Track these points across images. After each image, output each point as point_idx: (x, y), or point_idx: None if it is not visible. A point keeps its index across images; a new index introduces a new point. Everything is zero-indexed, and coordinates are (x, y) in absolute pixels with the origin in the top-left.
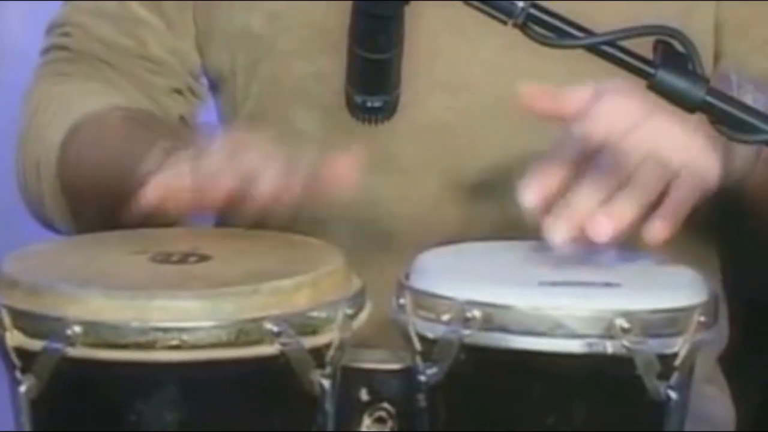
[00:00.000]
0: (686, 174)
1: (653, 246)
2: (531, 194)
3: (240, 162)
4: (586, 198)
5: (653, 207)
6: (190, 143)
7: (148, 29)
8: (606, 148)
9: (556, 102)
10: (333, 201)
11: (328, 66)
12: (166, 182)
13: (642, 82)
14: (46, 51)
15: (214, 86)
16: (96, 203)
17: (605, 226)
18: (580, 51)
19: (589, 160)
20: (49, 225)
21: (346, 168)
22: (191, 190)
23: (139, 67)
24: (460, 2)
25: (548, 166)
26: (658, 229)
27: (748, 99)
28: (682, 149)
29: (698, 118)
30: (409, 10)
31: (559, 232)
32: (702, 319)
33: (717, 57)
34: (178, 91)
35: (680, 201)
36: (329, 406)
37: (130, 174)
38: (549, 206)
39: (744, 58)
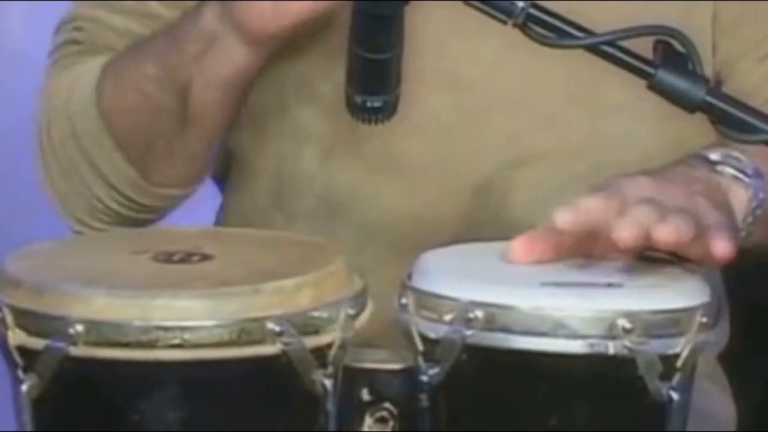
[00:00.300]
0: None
1: (721, 263)
2: (565, 215)
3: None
4: (645, 212)
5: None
6: None
7: (163, 23)
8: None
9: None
10: None
11: (332, 64)
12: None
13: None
14: (55, 49)
15: None
16: (150, 114)
17: (672, 232)
18: (581, 51)
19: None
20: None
21: None
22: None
23: None
24: (461, 2)
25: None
26: (722, 245)
27: (729, 171)
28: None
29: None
30: (410, 10)
31: (625, 231)
32: (704, 319)
33: (712, 52)
34: None
35: (725, 226)
36: (331, 406)
37: (188, 43)
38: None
39: (734, 58)
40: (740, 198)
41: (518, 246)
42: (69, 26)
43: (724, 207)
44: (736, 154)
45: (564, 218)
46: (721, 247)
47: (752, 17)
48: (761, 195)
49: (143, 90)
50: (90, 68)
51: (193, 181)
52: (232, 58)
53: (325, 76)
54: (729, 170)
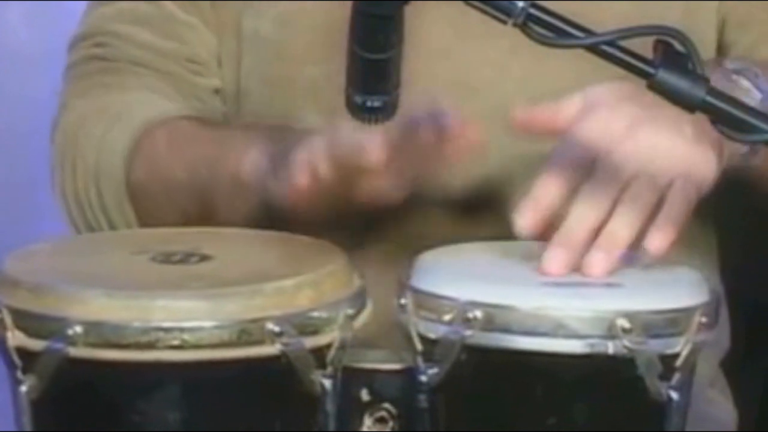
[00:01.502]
0: (680, 181)
1: (656, 257)
2: (524, 221)
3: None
4: (580, 223)
5: (651, 217)
6: (282, 141)
7: (189, 30)
8: (598, 163)
9: (548, 117)
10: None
11: (335, 68)
12: (309, 156)
13: (637, 82)
14: (75, 65)
15: (220, 89)
16: (170, 208)
17: (602, 263)
18: (584, 52)
19: (584, 173)
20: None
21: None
22: (333, 162)
23: (181, 68)
24: (462, 4)
25: (541, 186)
26: (657, 241)
27: (744, 84)
28: (674, 156)
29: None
30: (413, 12)
31: (556, 263)
32: (703, 319)
33: (723, 51)
34: (218, 91)
35: (676, 210)
36: (330, 407)
37: (222, 174)
38: (545, 229)
39: (752, 48)
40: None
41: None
42: (88, 42)
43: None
44: (755, 69)
45: (524, 224)
46: (656, 243)
47: (763, 14)
48: None
49: (170, 193)
50: (121, 105)
51: None
52: (255, 198)
53: (330, 80)
54: (743, 81)
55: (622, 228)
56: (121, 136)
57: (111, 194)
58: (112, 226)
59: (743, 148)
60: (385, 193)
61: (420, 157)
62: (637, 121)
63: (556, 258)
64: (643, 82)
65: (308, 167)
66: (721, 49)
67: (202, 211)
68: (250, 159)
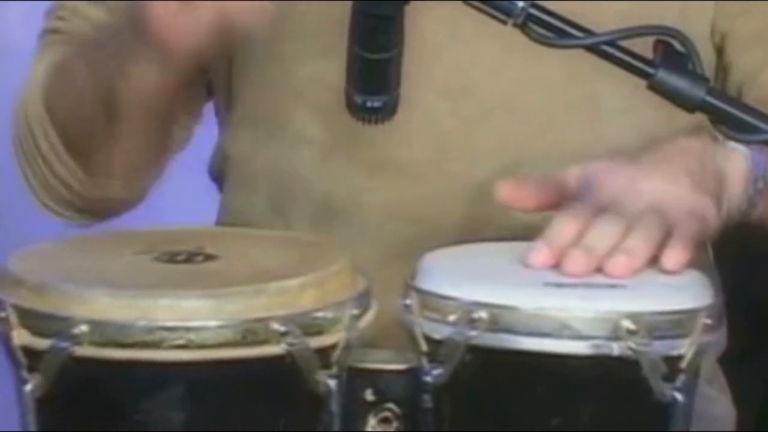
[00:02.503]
0: (685, 218)
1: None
2: (539, 258)
3: None
4: (600, 238)
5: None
6: None
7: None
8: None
9: (545, 190)
10: None
11: (328, 68)
12: None
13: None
14: (40, 35)
15: (212, 88)
16: (83, 110)
17: (625, 264)
18: (580, 53)
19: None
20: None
21: None
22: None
23: None
24: (461, 4)
25: (556, 227)
26: (673, 258)
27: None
28: (675, 204)
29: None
30: (410, 14)
31: (575, 265)
32: (708, 321)
33: (726, 69)
34: None
35: (685, 235)
36: (335, 406)
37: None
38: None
39: (754, 72)
40: (739, 169)
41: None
42: (54, 14)
43: (715, 175)
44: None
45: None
46: (671, 261)
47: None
48: (762, 168)
49: (77, 89)
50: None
51: (133, 179)
52: (146, 75)
53: (322, 79)
54: (730, 141)
55: (640, 240)
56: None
57: (35, 119)
58: (47, 163)
59: (742, 204)
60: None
61: None
62: (636, 178)
63: (576, 259)
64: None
65: None
66: (722, 68)
67: (106, 102)
68: (124, 29)
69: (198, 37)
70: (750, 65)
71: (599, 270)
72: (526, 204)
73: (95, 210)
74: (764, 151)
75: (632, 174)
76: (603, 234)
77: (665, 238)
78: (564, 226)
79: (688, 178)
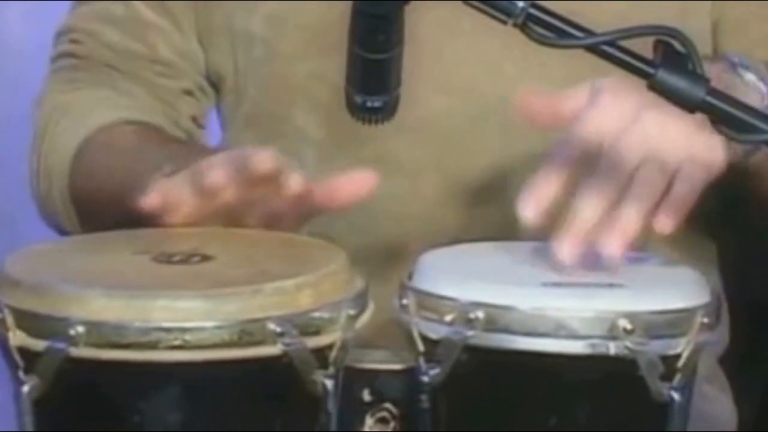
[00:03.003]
0: (688, 167)
1: (660, 237)
2: (530, 209)
3: (242, 173)
4: (590, 210)
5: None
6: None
7: (156, 32)
8: (604, 151)
9: (552, 107)
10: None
11: (328, 67)
12: (165, 190)
13: (640, 80)
14: (54, 59)
15: (214, 87)
16: (104, 214)
17: (616, 243)
18: (580, 51)
19: (588, 165)
20: (58, 228)
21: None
22: (191, 200)
23: (148, 71)
24: (460, 3)
25: (545, 176)
26: (663, 222)
27: (750, 77)
28: (680, 142)
29: None
30: (409, 12)
31: (567, 249)
32: (705, 320)
33: (715, 55)
34: (189, 93)
35: (684, 194)
36: (332, 407)
37: (137, 188)
38: (550, 217)
39: (747, 53)
40: (754, 103)
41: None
42: (66, 37)
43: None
44: (762, 66)
45: (528, 214)
46: (662, 224)
47: (759, 18)
48: None
49: (101, 199)
50: (84, 108)
51: None
52: None
53: (322, 79)
54: (749, 75)
55: (631, 214)
56: (71, 141)
57: (59, 195)
58: (60, 227)
59: (748, 144)
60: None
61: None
62: (643, 106)
63: (568, 247)
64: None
65: (161, 197)
66: (715, 55)
67: (124, 220)
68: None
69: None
70: (741, 49)
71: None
72: (539, 121)
73: None
74: None
75: (640, 101)
76: (593, 204)
77: (663, 195)
78: (549, 184)
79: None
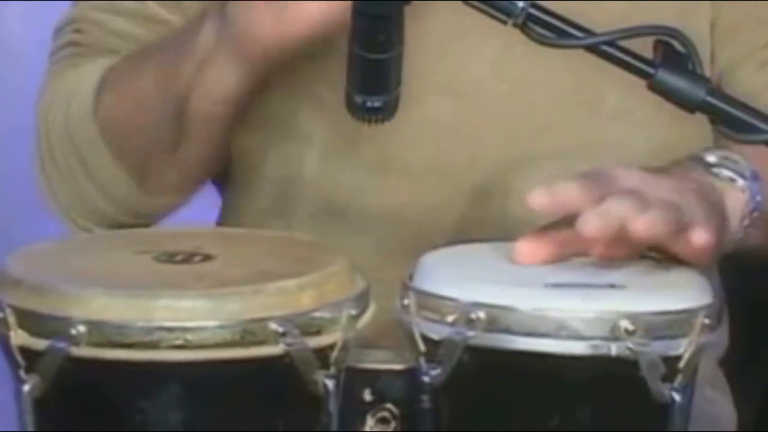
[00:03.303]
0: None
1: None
2: (542, 197)
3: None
4: (622, 204)
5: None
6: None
7: (166, 27)
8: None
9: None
10: None
11: (333, 69)
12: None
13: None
14: (55, 51)
15: None
16: (144, 128)
17: (648, 224)
18: (583, 52)
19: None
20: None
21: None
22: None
23: None
24: (461, 4)
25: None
26: (700, 235)
27: (725, 174)
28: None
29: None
30: (411, 13)
31: (589, 224)
32: (706, 321)
33: (712, 57)
34: None
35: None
36: (333, 407)
37: (186, 60)
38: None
39: (733, 66)
40: (736, 200)
41: (524, 247)
42: (69, 28)
43: (716, 206)
44: (734, 156)
45: (537, 199)
46: (699, 236)
47: (752, 24)
48: (758, 198)
49: (140, 102)
50: (89, 73)
51: (189, 190)
52: (226, 77)
53: (326, 80)
54: (725, 172)
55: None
56: (87, 82)
57: (84, 140)
58: (93, 179)
59: (738, 234)
60: None
61: None
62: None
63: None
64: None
65: None
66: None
67: (176, 114)
68: (205, 29)
69: (291, 34)
70: (728, 58)
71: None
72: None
73: (132, 221)
74: (758, 177)
75: (643, 176)
76: (618, 205)
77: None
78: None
79: (695, 197)
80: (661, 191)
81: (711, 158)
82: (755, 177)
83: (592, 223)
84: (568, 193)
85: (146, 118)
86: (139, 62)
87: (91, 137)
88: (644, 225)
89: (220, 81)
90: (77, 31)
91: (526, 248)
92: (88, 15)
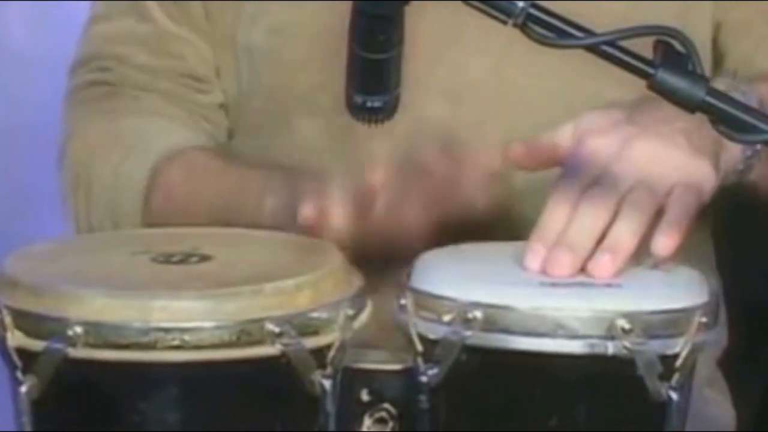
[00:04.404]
0: (679, 188)
1: (662, 259)
2: (535, 257)
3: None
4: (584, 232)
5: (653, 227)
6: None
7: (182, 44)
8: (597, 179)
9: (541, 150)
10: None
11: (331, 75)
12: (323, 201)
13: (624, 106)
14: (78, 89)
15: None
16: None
17: (608, 264)
18: (581, 54)
19: (582, 195)
20: None
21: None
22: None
23: (181, 87)
24: (461, 6)
25: (548, 217)
26: (663, 244)
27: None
28: (670, 167)
29: (685, 128)
30: (411, 16)
31: (559, 266)
32: (703, 319)
33: (720, 57)
34: (221, 105)
35: (678, 214)
36: (330, 407)
37: (241, 214)
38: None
39: (749, 57)
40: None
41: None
42: (90, 66)
43: (708, 139)
44: (741, 87)
45: (517, 151)
46: (661, 246)
47: (762, 18)
48: None
49: (191, 215)
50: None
51: None
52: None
53: (325, 88)
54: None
55: (625, 232)
56: (137, 168)
57: (126, 224)
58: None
59: (739, 165)
60: (407, 230)
61: (435, 193)
62: (629, 138)
63: (559, 261)
64: (632, 103)
65: (317, 207)
66: (716, 57)
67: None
68: (268, 204)
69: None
70: (743, 51)
71: (583, 270)
72: (527, 166)
73: None
74: (765, 105)
75: (626, 134)
76: (587, 226)
77: (656, 217)
78: (553, 217)
79: (684, 139)
80: (642, 154)
81: (718, 86)
82: (762, 106)
83: (560, 266)
84: (545, 143)
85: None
86: (193, 184)
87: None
88: (603, 265)
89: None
90: (100, 69)
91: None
92: (108, 50)
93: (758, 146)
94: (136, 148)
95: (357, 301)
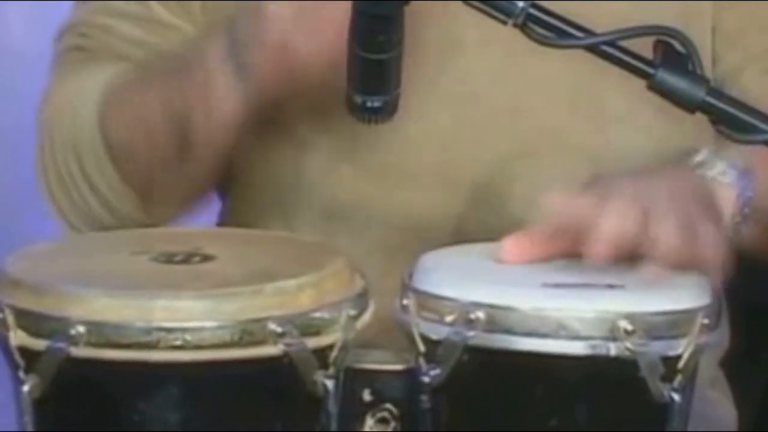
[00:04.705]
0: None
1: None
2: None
3: None
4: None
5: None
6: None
7: (173, 31)
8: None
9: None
10: None
11: (333, 75)
12: None
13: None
14: (58, 55)
15: None
16: (151, 148)
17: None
18: (584, 57)
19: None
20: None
21: None
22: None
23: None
24: (463, 10)
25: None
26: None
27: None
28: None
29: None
30: (413, 23)
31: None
32: (705, 321)
33: (714, 61)
34: None
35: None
36: (332, 407)
37: (193, 81)
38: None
39: (737, 71)
40: (726, 197)
41: (509, 246)
42: (73, 32)
43: (710, 206)
44: (723, 153)
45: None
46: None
47: (754, 29)
48: (749, 193)
49: (145, 121)
50: (94, 81)
51: (192, 202)
52: (230, 99)
53: (326, 87)
54: (714, 170)
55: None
56: (92, 93)
57: (89, 153)
58: (95, 192)
59: (728, 232)
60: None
61: None
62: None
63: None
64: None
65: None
66: (713, 61)
67: (180, 133)
68: (212, 55)
69: (322, 39)
70: (732, 64)
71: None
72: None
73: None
74: (749, 174)
75: (639, 184)
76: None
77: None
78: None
79: (692, 200)
80: (660, 201)
81: (700, 157)
82: (746, 172)
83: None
84: (577, 205)
85: (150, 137)
86: (142, 83)
87: (96, 151)
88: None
89: (223, 104)
90: (82, 35)
91: (512, 247)
92: (94, 19)
93: (746, 211)
94: (91, 85)
95: (359, 302)
